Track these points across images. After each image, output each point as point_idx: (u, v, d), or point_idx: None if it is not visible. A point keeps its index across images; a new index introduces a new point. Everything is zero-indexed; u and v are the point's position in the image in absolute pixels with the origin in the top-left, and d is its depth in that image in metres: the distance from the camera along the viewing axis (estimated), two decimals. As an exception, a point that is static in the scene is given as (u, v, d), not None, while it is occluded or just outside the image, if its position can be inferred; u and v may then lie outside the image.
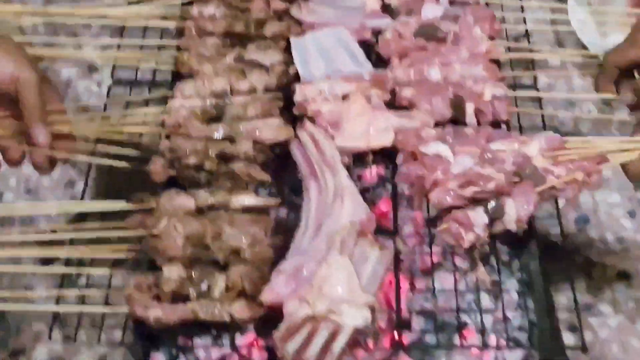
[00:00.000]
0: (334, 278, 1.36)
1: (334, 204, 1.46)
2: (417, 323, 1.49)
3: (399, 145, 1.54)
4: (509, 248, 1.55)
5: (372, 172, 1.61)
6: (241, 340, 1.47)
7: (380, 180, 1.63)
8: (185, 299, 1.39)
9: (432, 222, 1.53)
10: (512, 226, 1.43)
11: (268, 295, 1.37)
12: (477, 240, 1.43)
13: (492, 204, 1.42)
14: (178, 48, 1.70)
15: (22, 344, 1.63)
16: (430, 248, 1.52)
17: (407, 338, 1.47)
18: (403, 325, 1.42)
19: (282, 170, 1.57)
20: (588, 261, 1.52)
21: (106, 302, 1.43)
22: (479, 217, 1.41)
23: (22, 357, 1.60)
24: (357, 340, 1.35)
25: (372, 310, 1.34)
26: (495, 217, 1.42)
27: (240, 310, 1.37)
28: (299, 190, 1.55)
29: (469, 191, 1.43)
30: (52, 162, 1.44)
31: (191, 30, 1.70)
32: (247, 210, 1.48)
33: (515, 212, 1.42)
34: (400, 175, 1.52)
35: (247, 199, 1.48)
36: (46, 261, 1.55)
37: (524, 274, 1.52)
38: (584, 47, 1.99)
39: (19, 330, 1.64)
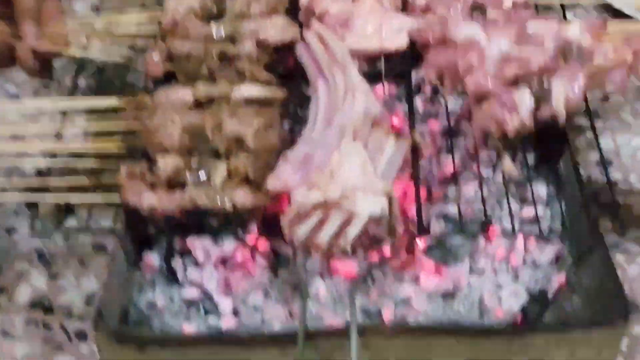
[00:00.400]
0: (347, 164, 1.22)
1: (345, 99, 1.34)
2: (438, 226, 1.36)
3: (419, 36, 1.42)
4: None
5: (385, 89, 1.48)
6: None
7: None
8: (182, 187, 1.25)
9: (451, 132, 1.43)
10: (561, 108, 1.29)
11: (274, 183, 1.24)
12: (521, 127, 1.30)
13: (536, 84, 1.30)
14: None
15: (3, 283, 1.49)
16: (453, 155, 1.40)
17: (426, 241, 1.34)
18: (422, 228, 1.26)
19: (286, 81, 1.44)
20: (612, 201, 1.41)
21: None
22: (524, 97, 1.28)
23: (3, 296, 1.45)
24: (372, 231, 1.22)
25: (389, 199, 1.21)
26: (541, 97, 1.29)
27: (243, 197, 1.23)
28: (305, 105, 1.42)
29: (510, 71, 1.30)
30: (45, 66, 1.36)
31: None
32: (250, 102, 1.35)
33: (564, 92, 1.29)
34: (428, 63, 1.39)
35: (250, 90, 1.35)
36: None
37: (553, 173, 1.39)
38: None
39: (1, 269, 1.50)
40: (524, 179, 1.40)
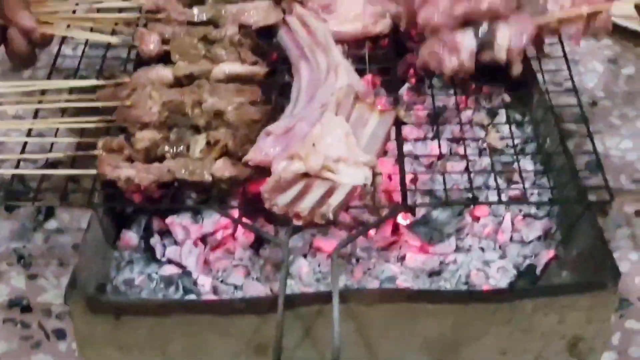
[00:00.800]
0: (330, 136, 1.19)
1: (328, 77, 1.32)
2: (424, 206, 1.34)
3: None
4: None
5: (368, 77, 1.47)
6: (224, 218, 1.30)
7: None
8: (160, 161, 1.23)
9: (437, 117, 1.41)
10: (502, 55, 1.29)
11: (255, 155, 1.21)
12: (460, 69, 1.30)
13: (483, 27, 1.29)
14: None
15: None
16: (439, 140, 1.37)
17: (411, 217, 1.31)
18: (406, 202, 1.23)
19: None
20: (602, 199, 1.39)
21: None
22: (466, 39, 1.28)
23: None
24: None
25: (373, 170, 1.18)
26: (484, 41, 1.28)
27: (223, 168, 1.21)
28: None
29: (460, 9, 1.29)
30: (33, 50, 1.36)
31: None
32: (231, 80, 1.33)
33: (508, 39, 1.28)
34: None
35: (230, 67, 1.33)
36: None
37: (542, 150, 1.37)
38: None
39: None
40: (511, 155, 1.37)
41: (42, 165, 1.32)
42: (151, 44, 1.37)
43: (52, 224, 1.47)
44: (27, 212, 1.48)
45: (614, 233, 1.52)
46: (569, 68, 1.45)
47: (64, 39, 1.48)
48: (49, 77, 1.43)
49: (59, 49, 1.47)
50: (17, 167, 1.28)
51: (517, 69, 1.31)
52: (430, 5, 1.31)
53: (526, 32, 1.28)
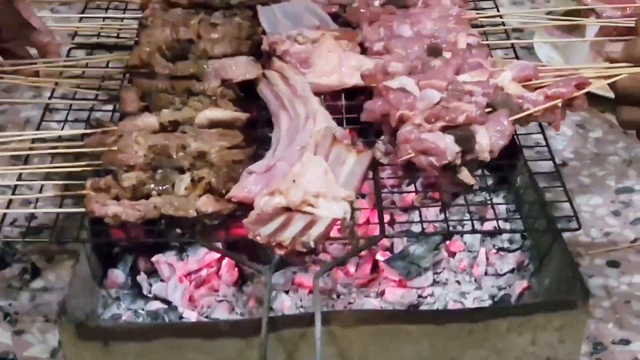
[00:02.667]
0: (309, 173, 1.25)
1: (307, 123, 1.38)
2: (401, 241, 1.39)
3: (365, 80, 1.46)
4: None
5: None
6: (209, 256, 1.34)
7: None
8: (147, 198, 1.27)
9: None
10: (485, 156, 1.30)
11: (237, 192, 1.26)
12: (449, 164, 1.30)
13: (462, 133, 1.29)
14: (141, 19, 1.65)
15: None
16: (415, 186, 1.43)
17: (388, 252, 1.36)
18: (385, 235, 1.28)
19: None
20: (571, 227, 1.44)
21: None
22: (448, 146, 1.28)
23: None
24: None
25: (351, 205, 1.24)
26: (466, 148, 1.29)
27: (206, 203, 1.25)
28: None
29: (438, 125, 1.31)
30: None
31: (155, 4, 1.66)
32: (215, 126, 1.38)
33: (489, 142, 1.29)
34: (365, 112, 1.41)
35: (213, 113, 1.39)
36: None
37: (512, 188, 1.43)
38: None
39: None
40: (483, 196, 1.43)
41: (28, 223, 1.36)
42: (130, 104, 1.42)
43: (38, 283, 1.49)
44: (13, 271, 1.51)
45: (587, 283, 1.56)
46: (542, 131, 1.50)
47: (52, 93, 1.53)
48: (38, 127, 1.48)
49: (47, 106, 1.51)
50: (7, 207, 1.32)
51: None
52: (408, 125, 1.32)
53: (505, 132, 1.30)
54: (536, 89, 1.36)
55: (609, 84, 1.31)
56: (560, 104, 1.34)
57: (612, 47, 1.31)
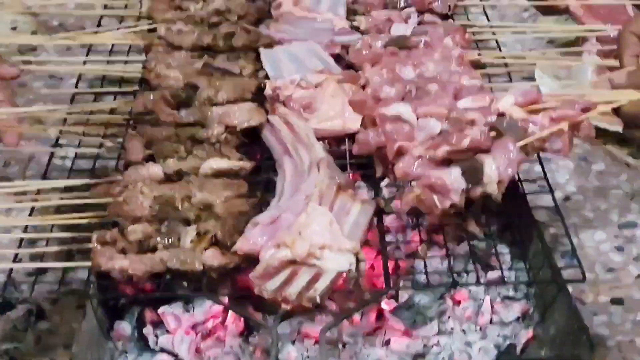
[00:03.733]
0: (314, 225, 1.26)
1: (311, 171, 1.38)
2: (406, 289, 1.39)
3: (354, 108, 1.45)
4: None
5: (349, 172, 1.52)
6: (215, 308, 1.34)
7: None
8: (153, 252, 1.28)
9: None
10: (493, 189, 1.26)
11: (243, 245, 1.27)
12: (452, 208, 1.27)
13: (468, 165, 1.26)
14: (145, 62, 1.65)
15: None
16: (419, 231, 1.42)
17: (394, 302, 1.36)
18: (389, 285, 1.29)
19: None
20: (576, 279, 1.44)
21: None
22: (454, 181, 1.24)
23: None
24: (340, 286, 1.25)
25: (357, 256, 1.24)
26: (473, 180, 1.25)
27: (212, 257, 1.26)
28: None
29: (441, 152, 1.27)
30: None
31: (158, 47, 1.67)
32: (219, 175, 1.39)
33: (497, 172, 1.26)
34: (358, 145, 1.39)
35: (217, 162, 1.39)
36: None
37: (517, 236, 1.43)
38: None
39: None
40: (488, 244, 1.43)
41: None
42: (135, 153, 1.43)
43: (43, 325, 1.49)
44: (18, 313, 1.50)
45: (591, 321, 1.56)
46: (541, 164, 1.51)
47: (57, 141, 1.53)
48: (44, 177, 1.48)
49: (52, 154, 1.51)
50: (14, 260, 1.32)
51: (498, 196, 1.29)
52: (407, 157, 1.29)
53: (513, 160, 1.26)
54: (541, 112, 1.34)
55: (614, 110, 1.32)
56: (566, 128, 1.31)
57: (617, 78, 1.32)
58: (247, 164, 1.41)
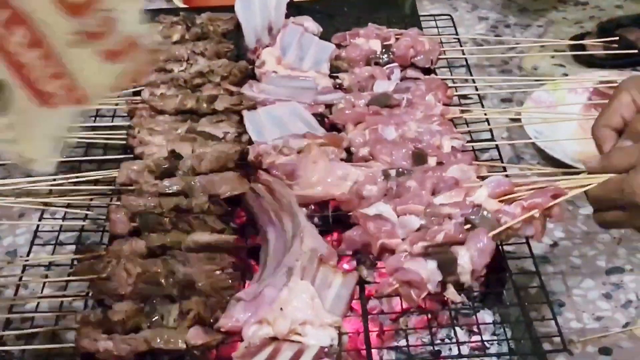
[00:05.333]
0: (296, 300, 1.27)
1: (294, 242, 1.39)
2: (389, 357, 1.40)
3: (342, 207, 1.49)
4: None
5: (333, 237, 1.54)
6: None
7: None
8: (137, 331, 1.29)
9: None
10: (467, 279, 1.32)
11: (225, 322, 1.28)
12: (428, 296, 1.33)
13: (443, 257, 1.31)
14: (129, 128, 1.66)
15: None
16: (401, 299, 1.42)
17: (378, 374, 1.37)
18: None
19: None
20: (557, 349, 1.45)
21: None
22: (432, 274, 1.30)
23: None
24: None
25: (339, 330, 1.25)
26: (448, 271, 1.31)
27: (195, 336, 1.26)
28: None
29: (419, 247, 1.32)
30: None
31: (142, 111, 1.68)
32: (203, 249, 1.40)
33: (470, 262, 1.31)
34: (345, 243, 1.43)
35: (200, 237, 1.40)
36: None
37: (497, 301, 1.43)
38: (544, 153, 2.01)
39: None
40: (470, 309, 1.43)
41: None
42: (120, 226, 1.44)
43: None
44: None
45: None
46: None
47: (42, 214, 1.54)
48: (28, 253, 1.49)
49: (37, 227, 1.52)
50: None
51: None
52: (396, 256, 1.34)
53: (486, 250, 1.31)
54: (513, 202, 1.37)
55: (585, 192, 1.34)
56: (537, 215, 1.35)
57: (590, 162, 1.32)
58: (229, 238, 1.41)
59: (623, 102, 1.27)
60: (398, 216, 1.39)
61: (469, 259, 1.30)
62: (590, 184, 1.30)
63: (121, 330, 1.29)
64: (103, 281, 1.35)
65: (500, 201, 1.38)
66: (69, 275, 1.40)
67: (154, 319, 1.30)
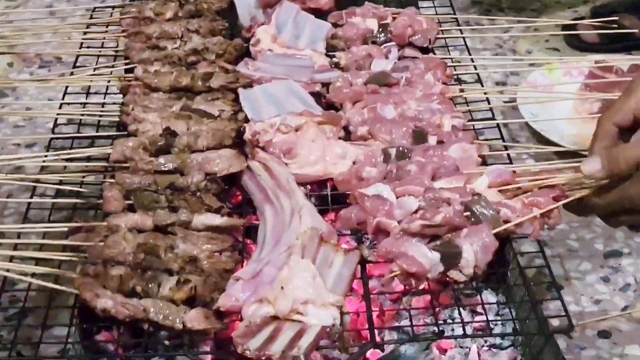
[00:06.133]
0: (297, 279, 1.24)
1: (292, 220, 1.36)
2: (391, 337, 1.38)
3: (340, 186, 1.46)
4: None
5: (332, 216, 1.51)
6: None
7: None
8: (133, 295, 1.26)
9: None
10: (469, 272, 1.28)
11: (225, 301, 1.25)
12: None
13: (448, 250, 1.27)
14: (122, 105, 1.62)
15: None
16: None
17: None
18: (374, 339, 1.26)
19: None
20: (563, 328, 1.43)
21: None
22: (434, 266, 1.26)
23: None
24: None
25: (341, 310, 1.23)
26: (451, 264, 1.27)
27: (195, 319, 1.23)
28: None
29: (416, 225, 1.28)
30: None
31: (135, 88, 1.64)
32: (207, 230, 1.37)
33: (474, 256, 1.27)
34: (340, 221, 1.39)
35: (210, 219, 1.37)
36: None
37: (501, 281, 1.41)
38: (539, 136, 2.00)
39: None
40: (473, 289, 1.41)
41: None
42: (114, 203, 1.40)
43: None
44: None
45: (578, 355, 1.56)
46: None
47: (34, 191, 1.50)
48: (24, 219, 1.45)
49: (29, 204, 1.49)
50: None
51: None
52: (390, 238, 1.31)
53: (490, 247, 1.28)
54: (514, 196, 1.36)
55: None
56: (538, 215, 1.33)
57: (590, 167, 1.26)
58: (238, 222, 1.39)
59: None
60: (397, 197, 1.35)
61: (473, 254, 1.27)
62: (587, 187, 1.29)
63: (117, 290, 1.26)
64: (100, 247, 1.31)
65: (500, 191, 1.36)
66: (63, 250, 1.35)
67: (150, 285, 1.26)
